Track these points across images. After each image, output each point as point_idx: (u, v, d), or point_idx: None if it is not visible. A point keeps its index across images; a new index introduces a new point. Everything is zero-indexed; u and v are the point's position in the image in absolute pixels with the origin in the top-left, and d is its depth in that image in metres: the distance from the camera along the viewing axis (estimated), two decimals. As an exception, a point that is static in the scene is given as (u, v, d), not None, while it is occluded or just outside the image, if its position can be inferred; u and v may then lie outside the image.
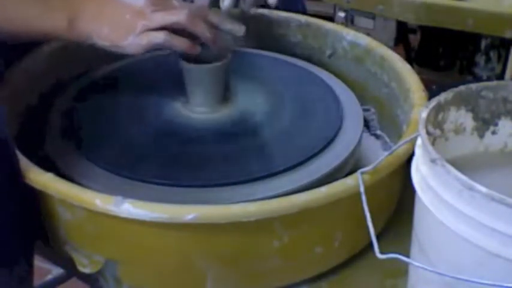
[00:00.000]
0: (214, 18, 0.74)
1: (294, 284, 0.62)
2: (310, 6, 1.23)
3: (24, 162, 0.59)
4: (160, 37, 0.68)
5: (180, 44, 0.70)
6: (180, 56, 0.72)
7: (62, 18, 0.67)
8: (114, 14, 0.69)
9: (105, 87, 0.79)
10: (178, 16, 0.69)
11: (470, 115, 0.55)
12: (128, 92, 0.77)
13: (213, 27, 0.73)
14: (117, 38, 0.68)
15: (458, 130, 0.55)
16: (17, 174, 0.58)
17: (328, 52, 0.90)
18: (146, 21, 0.68)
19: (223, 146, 0.69)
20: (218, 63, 0.72)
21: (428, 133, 0.50)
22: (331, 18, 1.18)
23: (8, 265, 0.58)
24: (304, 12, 1.00)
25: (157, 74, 0.82)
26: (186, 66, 0.72)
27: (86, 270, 0.59)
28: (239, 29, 0.75)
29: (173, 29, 0.69)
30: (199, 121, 0.73)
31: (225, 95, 0.76)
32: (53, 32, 0.68)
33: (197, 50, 0.72)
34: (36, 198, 0.60)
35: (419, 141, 0.51)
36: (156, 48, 0.70)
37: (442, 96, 0.52)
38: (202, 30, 0.71)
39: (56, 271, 1.04)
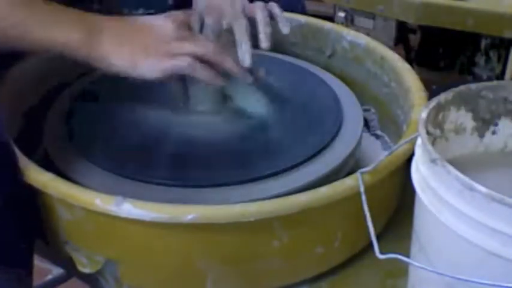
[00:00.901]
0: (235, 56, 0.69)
1: (294, 284, 0.62)
2: (310, 6, 1.22)
3: (24, 162, 0.59)
4: (185, 61, 0.65)
5: (205, 74, 0.66)
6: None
7: (82, 37, 0.64)
8: (137, 36, 0.66)
9: (105, 88, 0.79)
10: (206, 48, 0.66)
11: (470, 115, 0.55)
12: (127, 92, 0.77)
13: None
14: (137, 59, 0.65)
15: (458, 130, 0.55)
16: (17, 175, 0.58)
17: (328, 52, 0.90)
18: (171, 47, 0.65)
19: (223, 146, 0.69)
20: None
21: (428, 133, 0.50)
22: (331, 18, 1.18)
23: (8, 265, 0.58)
24: (303, 12, 1.00)
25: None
26: None
27: (86, 270, 0.59)
28: (249, 78, 0.70)
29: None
30: (199, 122, 0.72)
31: (224, 95, 0.76)
32: (72, 50, 0.65)
33: (221, 82, 0.68)
34: (36, 198, 0.60)
35: (419, 141, 0.51)
36: (176, 75, 0.67)
37: (442, 96, 0.52)
38: (230, 64, 0.67)
39: (56, 271, 1.04)
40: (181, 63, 0.65)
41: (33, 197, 0.60)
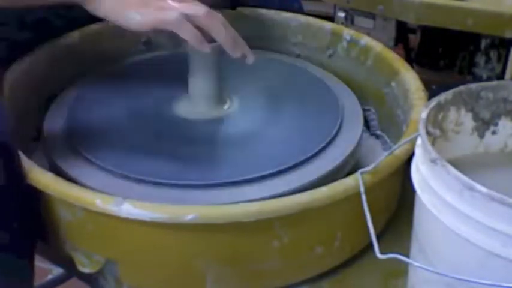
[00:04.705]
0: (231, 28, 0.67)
1: (294, 284, 0.62)
2: (311, 6, 1.22)
3: (25, 162, 0.59)
4: (172, 15, 0.63)
5: (190, 33, 0.64)
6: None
7: None
8: None
9: (104, 87, 0.79)
10: (199, 11, 0.64)
11: (470, 115, 0.55)
12: (127, 92, 0.77)
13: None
14: (128, 5, 0.64)
15: (458, 130, 0.55)
16: (18, 175, 0.58)
17: (328, 52, 0.90)
18: (164, 2, 0.64)
19: (223, 146, 0.69)
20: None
21: (428, 133, 0.50)
22: (331, 18, 1.18)
23: (9, 265, 0.58)
24: (300, 10, 1.00)
25: (156, 74, 0.82)
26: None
27: (86, 270, 0.59)
28: (249, 58, 0.70)
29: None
30: (199, 121, 0.72)
31: (224, 95, 0.76)
32: None
33: (206, 48, 0.66)
34: (36, 199, 0.60)
35: (419, 141, 0.51)
36: (161, 30, 0.64)
37: (442, 96, 0.52)
38: (221, 31, 0.65)
39: (56, 271, 1.04)
40: (168, 17, 0.63)
41: (34, 197, 0.60)
